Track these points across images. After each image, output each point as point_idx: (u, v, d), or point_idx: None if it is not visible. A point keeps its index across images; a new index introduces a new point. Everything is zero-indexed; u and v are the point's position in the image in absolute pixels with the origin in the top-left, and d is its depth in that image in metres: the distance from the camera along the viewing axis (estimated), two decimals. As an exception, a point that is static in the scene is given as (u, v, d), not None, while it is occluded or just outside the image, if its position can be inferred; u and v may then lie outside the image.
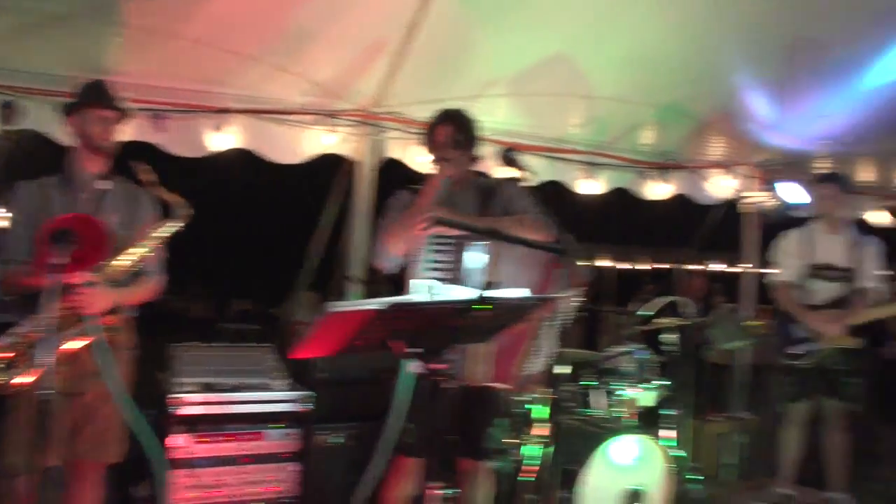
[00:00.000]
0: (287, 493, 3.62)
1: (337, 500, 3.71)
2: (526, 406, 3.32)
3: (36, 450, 2.57)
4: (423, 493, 2.25)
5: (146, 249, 2.94)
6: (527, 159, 5.24)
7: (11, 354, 2.66)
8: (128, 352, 3.07)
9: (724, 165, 5.81)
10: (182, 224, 2.99)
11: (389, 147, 5.14)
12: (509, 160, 2.88)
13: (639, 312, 4.40)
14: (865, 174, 6.52)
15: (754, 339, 5.08)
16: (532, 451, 3.25)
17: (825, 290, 4.40)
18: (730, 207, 6.06)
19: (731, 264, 7.38)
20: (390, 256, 3.07)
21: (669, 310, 4.52)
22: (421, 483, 2.37)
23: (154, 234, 2.97)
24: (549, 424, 3.23)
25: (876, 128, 5.79)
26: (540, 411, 3.27)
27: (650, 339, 4.36)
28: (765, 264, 4.98)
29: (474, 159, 3.26)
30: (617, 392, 3.90)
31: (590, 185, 5.55)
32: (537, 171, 5.38)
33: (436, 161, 3.16)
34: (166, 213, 2.99)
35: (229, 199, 11.98)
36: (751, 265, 6.19)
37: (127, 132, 3.58)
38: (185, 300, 13.58)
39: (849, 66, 5.12)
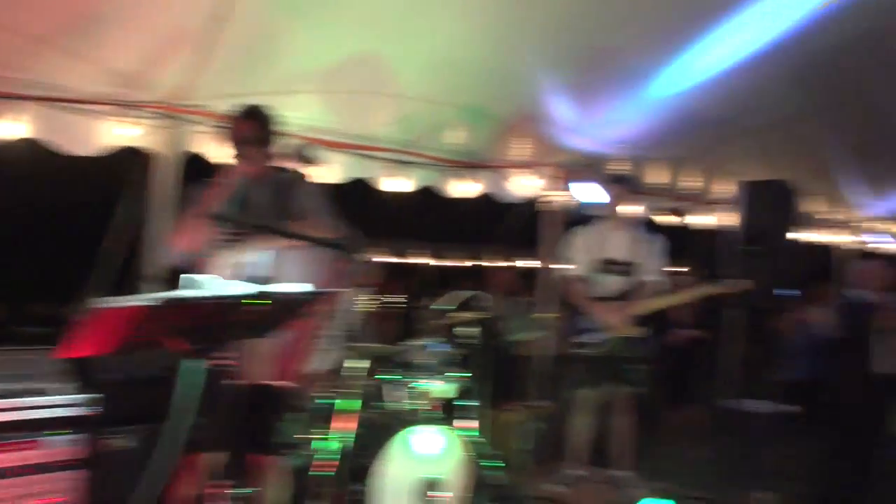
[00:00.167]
0: (71, 502, 3.48)
1: (126, 505, 3.61)
2: (321, 401, 3.40)
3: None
4: (206, 491, 2.27)
5: None
6: (334, 156, 5.36)
7: None
8: None
9: (528, 165, 6.15)
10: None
11: (194, 141, 5.03)
12: (304, 157, 2.95)
13: (435, 307, 4.60)
14: (658, 177, 7.13)
15: (544, 330, 5.43)
16: (326, 446, 3.34)
17: (611, 283, 4.81)
18: (534, 206, 6.41)
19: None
20: (177, 253, 3.05)
21: (471, 304, 4.75)
22: (208, 480, 2.39)
23: None
24: (346, 418, 3.31)
25: (667, 134, 6.36)
26: (340, 405, 3.35)
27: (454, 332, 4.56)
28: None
29: (273, 156, 3.29)
30: (414, 385, 4.05)
31: (398, 184, 5.71)
32: (344, 168, 5.49)
33: (235, 156, 3.18)
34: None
35: (17, 194, 11.15)
36: (550, 261, 6.60)
37: None
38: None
39: (640, 75, 5.60)
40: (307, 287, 2.30)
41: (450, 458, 3.88)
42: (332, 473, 3.39)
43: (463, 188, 5.99)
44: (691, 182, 7.14)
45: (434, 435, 3.83)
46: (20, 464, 3.33)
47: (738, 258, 4.63)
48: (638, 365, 4.78)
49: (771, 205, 4.62)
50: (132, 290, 5.06)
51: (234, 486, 2.65)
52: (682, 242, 7.28)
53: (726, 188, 7.20)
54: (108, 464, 3.63)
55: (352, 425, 3.56)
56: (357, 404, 3.66)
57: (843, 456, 5.63)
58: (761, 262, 4.45)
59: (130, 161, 5.07)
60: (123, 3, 4.09)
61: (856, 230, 8.95)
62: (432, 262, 14.89)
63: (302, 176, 3.14)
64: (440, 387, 4.10)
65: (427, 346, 4.15)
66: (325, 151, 5.17)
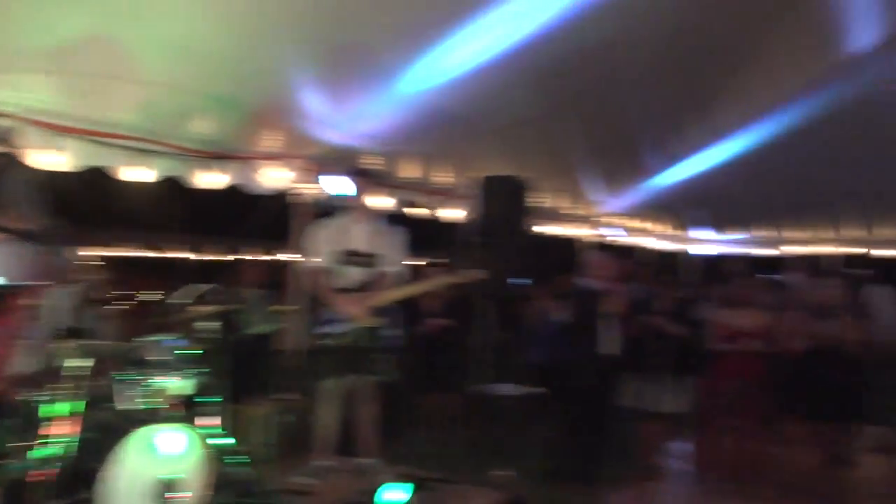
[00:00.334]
0: None
1: None
2: (37, 404, 3.23)
3: None
4: None
5: None
6: (64, 142, 5.06)
7: None
8: None
9: (278, 157, 6.16)
10: None
11: None
12: (5, 140, 2.79)
13: (171, 301, 4.51)
14: (410, 171, 7.41)
15: (284, 323, 5.49)
16: (44, 453, 3.17)
17: (353, 274, 4.95)
18: (285, 198, 6.44)
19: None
20: None
21: (208, 297, 4.69)
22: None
23: None
24: (67, 422, 3.17)
25: (418, 130, 6.61)
26: (60, 408, 3.20)
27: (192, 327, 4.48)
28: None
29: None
30: (149, 383, 3.95)
31: (139, 173, 5.50)
32: (77, 155, 5.19)
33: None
34: None
35: None
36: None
37: None
38: None
39: (390, 71, 5.78)
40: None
41: (189, 456, 3.82)
42: (52, 482, 3.23)
43: (209, 179, 5.87)
44: (442, 177, 7.49)
45: (171, 434, 3.75)
46: None
47: (475, 249, 4.92)
48: (379, 354, 4.94)
49: (504, 199, 4.94)
50: None
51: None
52: (433, 234, 7.64)
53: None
54: None
55: (75, 429, 3.40)
56: (81, 406, 3.51)
57: (579, 431, 6.21)
58: (495, 253, 4.77)
59: None
60: None
61: (595, 224, 9.82)
62: (192, 256, 14.36)
63: (14, 160, 2.95)
64: (177, 384, 4.03)
65: (162, 342, 4.06)
66: (52, 136, 4.87)
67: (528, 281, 4.93)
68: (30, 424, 3.18)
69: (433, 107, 6.23)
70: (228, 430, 4.34)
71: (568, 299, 6.36)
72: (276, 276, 7.10)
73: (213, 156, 5.85)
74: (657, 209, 10.85)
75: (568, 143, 8.13)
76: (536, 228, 8.63)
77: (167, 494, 3.68)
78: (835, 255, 10.74)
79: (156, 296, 6.02)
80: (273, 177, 6.10)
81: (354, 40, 5.35)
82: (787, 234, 11.36)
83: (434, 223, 7.60)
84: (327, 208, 5.71)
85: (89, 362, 3.58)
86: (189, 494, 3.77)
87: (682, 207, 10.86)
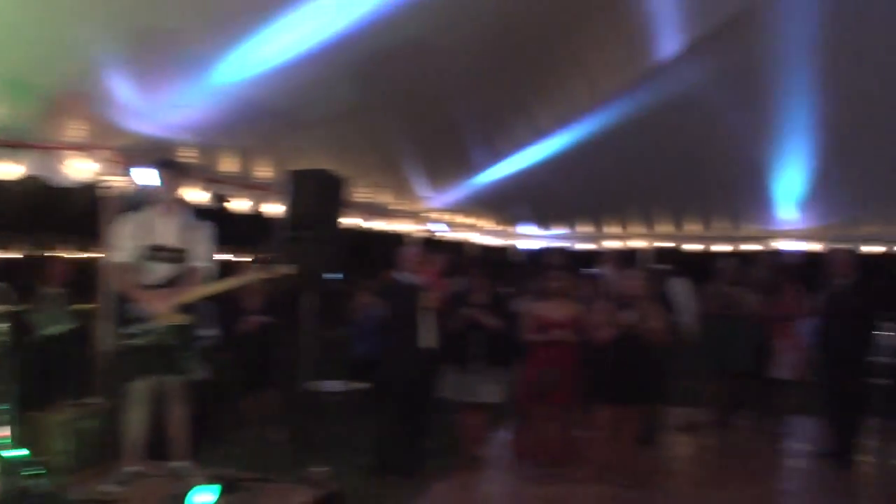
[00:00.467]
0: None
1: None
2: None
3: None
4: None
5: None
6: None
7: None
8: None
9: (82, 147, 5.86)
10: None
11: None
12: None
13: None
14: (228, 165, 7.25)
15: (85, 322, 5.25)
16: None
17: (160, 270, 4.79)
18: (91, 191, 6.12)
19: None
20: None
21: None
22: None
23: None
24: None
25: (235, 123, 6.47)
26: None
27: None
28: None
29: None
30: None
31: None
32: None
33: None
34: None
35: None
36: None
37: None
38: None
39: (202, 61, 5.62)
40: None
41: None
42: None
43: (4, 170, 5.49)
44: (262, 171, 7.39)
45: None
46: None
47: (287, 244, 4.87)
48: (186, 353, 4.80)
49: (315, 193, 4.92)
50: None
51: None
52: (252, 230, 7.53)
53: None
54: None
55: None
56: None
57: (401, 424, 6.33)
58: (306, 248, 4.74)
59: None
60: None
61: (420, 219, 10.00)
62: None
63: None
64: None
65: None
66: None
67: (341, 276, 4.93)
68: None
69: (249, 98, 6.11)
70: (22, 439, 4.11)
71: (387, 294, 6.46)
72: (85, 274, 6.77)
73: (5, 144, 5.48)
74: (482, 205, 11.19)
75: (392, 139, 8.24)
76: (359, 223, 8.75)
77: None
78: (648, 250, 11.53)
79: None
80: (78, 168, 5.77)
81: (164, 25, 5.18)
82: (606, 229, 12.02)
83: (254, 218, 7.48)
84: (136, 202, 5.48)
85: None
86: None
87: (506, 203, 11.26)
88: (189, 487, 4.47)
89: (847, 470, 6.81)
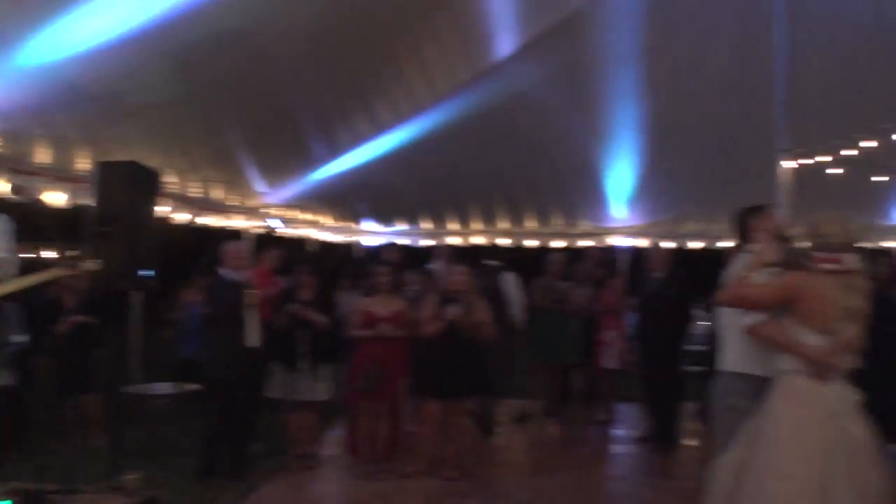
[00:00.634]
0: None
1: None
2: None
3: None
4: None
5: None
6: None
7: None
8: None
9: None
10: None
11: None
12: None
13: None
14: (41, 155, 6.84)
15: None
16: None
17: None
18: None
19: None
20: None
21: None
22: None
23: None
24: None
25: (48, 108, 6.11)
26: None
27: None
28: None
29: None
30: None
31: None
32: None
33: None
34: None
35: None
36: None
37: None
38: None
39: (5, 38, 5.26)
40: None
41: None
42: None
43: None
44: (80, 163, 7.03)
45: None
46: None
47: (95, 239, 4.64)
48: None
49: (126, 186, 4.71)
50: None
51: None
52: (64, 224, 7.16)
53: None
54: None
55: None
56: None
57: (228, 425, 6.18)
58: (115, 244, 4.53)
59: None
60: None
61: (255, 215, 9.78)
62: None
63: None
64: None
65: None
66: None
67: (153, 274, 4.74)
68: None
69: (62, 83, 5.81)
70: None
71: (210, 292, 6.31)
72: None
73: None
74: (322, 201, 11.11)
75: (224, 131, 8.03)
76: (190, 219, 8.48)
77: None
78: (486, 245, 11.79)
79: None
80: None
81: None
82: (449, 226, 12.20)
83: (71, 213, 7.09)
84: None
85: None
86: None
87: (346, 199, 11.22)
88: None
89: (667, 453, 7.24)
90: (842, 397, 3.71)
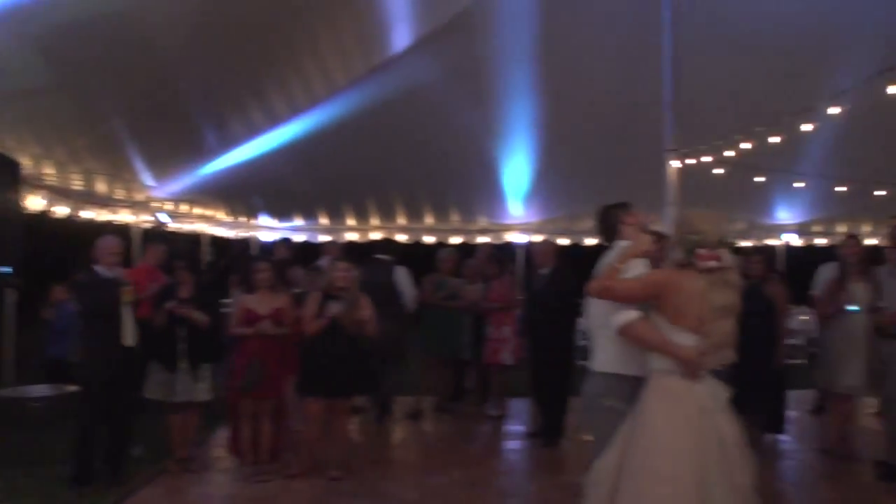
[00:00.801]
0: None
1: None
2: None
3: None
4: None
5: None
6: None
7: None
8: None
9: None
10: None
11: None
12: None
13: None
14: None
15: None
16: None
17: None
18: None
19: None
20: None
21: None
22: None
23: None
24: None
25: None
26: None
27: None
28: None
29: None
30: None
31: None
32: None
33: None
34: None
35: None
36: None
37: None
38: None
39: None
40: None
41: None
42: None
43: None
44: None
45: None
46: None
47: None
48: None
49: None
50: None
51: None
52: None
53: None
54: None
55: None
56: None
57: (103, 427, 5.90)
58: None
59: None
60: None
61: (147, 210, 9.41)
62: None
63: None
64: None
65: None
66: None
67: (8, 270, 4.46)
68: None
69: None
70: None
71: (78, 288, 6.00)
72: None
73: None
74: (216, 195, 10.80)
75: (107, 120, 7.69)
76: (72, 213, 8.09)
77: None
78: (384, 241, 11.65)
79: None
80: None
81: None
82: (348, 222, 12.05)
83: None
84: None
85: None
86: None
87: (241, 194, 10.95)
88: None
89: (555, 448, 7.28)
90: (712, 394, 3.75)
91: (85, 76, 6.71)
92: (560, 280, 7.23)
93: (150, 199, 9.33)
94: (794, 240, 12.17)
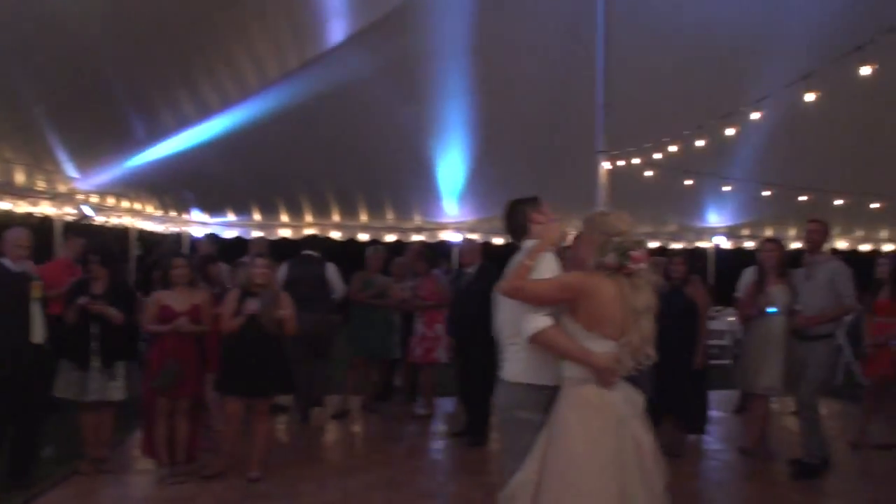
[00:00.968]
0: None
1: None
2: None
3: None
4: None
5: None
6: None
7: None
8: None
9: None
10: None
11: None
12: None
13: None
14: None
15: None
16: None
17: None
18: None
19: None
20: None
21: None
22: None
23: None
24: None
25: None
26: None
27: None
28: None
29: None
30: None
31: None
32: None
33: None
34: None
35: None
36: None
37: None
38: None
39: None
40: None
41: None
42: None
43: None
44: None
45: None
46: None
47: None
48: None
49: None
50: None
51: None
52: None
53: None
54: None
55: None
56: None
57: (6, 427, 5.68)
58: None
59: None
60: None
61: (70, 202, 9.06)
62: None
63: None
64: None
65: None
66: None
67: None
68: None
69: None
70: None
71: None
72: None
73: None
74: (145, 188, 10.50)
75: (25, 106, 7.37)
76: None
77: None
78: (310, 237, 11.48)
79: None
80: None
81: None
82: (283, 218, 11.84)
83: None
84: None
85: None
86: None
87: (170, 187, 10.67)
88: None
89: (479, 448, 7.23)
90: (628, 401, 3.60)
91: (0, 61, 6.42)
92: (485, 278, 7.18)
93: (73, 192, 8.96)
94: (724, 242, 12.38)
